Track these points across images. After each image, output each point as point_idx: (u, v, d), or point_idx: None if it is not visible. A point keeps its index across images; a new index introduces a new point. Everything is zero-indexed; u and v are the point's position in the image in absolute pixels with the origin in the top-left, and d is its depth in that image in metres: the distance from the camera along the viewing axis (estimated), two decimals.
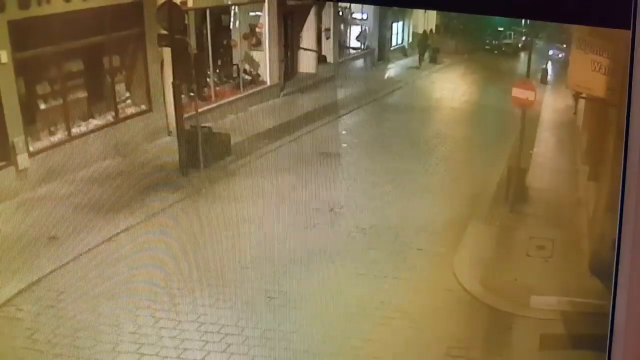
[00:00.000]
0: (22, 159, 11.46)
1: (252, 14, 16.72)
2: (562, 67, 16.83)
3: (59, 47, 12.27)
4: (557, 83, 16.99)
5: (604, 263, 8.21)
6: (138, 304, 9.00)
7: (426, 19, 20.28)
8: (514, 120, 13.73)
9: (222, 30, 16.22)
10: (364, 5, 18.86)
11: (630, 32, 3.20)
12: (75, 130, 12.73)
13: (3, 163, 11.34)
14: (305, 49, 18.31)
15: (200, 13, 15.10)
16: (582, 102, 13.28)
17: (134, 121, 13.64)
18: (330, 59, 18.81)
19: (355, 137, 15.08)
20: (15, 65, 11.33)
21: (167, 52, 13.65)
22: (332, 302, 9.16)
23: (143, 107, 14.02)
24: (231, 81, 16.34)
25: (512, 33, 19.50)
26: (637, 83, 3.17)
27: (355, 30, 19.85)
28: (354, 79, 19.42)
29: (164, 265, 9.66)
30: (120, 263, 9.78)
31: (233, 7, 16.28)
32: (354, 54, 20.04)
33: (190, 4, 14.26)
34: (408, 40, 20.95)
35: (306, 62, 18.35)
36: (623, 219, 3.32)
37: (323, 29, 18.56)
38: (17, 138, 11.42)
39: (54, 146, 12.20)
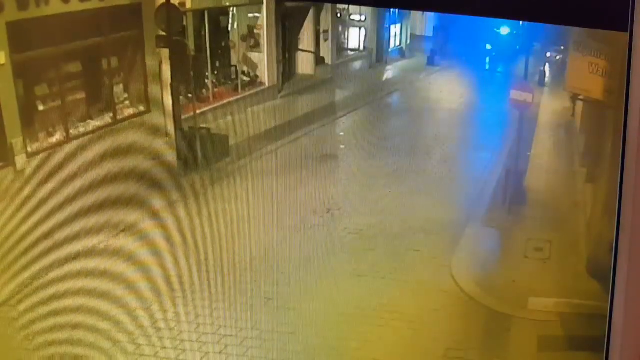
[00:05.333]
0: (21, 160, 11.47)
1: (250, 15, 16.74)
2: (560, 69, 16.88)
3: (57, 49, 12.27)
4: (554, 85, 17.03)
5: (601, 265, 8.22)
6: (136, 304, 9.00)
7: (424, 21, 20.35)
8: (512, 122, 13.76)
9: (220, 31, 16.24)
10: (362, 7, 18.89)
11: (627, 35, 3.20)
12: (73, 132, 12.73)
13: (1, 164, 11.34)
14: (304, 51, 18.33)
15: (199, 14, 15.11)
16: (579, 104, 13.32)
17: (132, 122, 13.65)
18: (328, 60, 18.85)
19: (353, 138, 15.10)
20: (13, 67, 11.33)
21: (165, 53, 13.65)
22: (330, 303, 9.16)
23: (141, 108, 14.02)
24: (229, 82, 16.36)
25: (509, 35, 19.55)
26: (635, 85, 3.18)
27: (353, 32, 19.90)
28: (352, 80, 19.44)
29: (161, 266, 9.66)
30: (117, 263, 9.77)
31: (231, 9, 16.30)
32: (352, 55, 20.08)
33: (188, 5, 14.27)
34: (406, 42, 21.00)
35: (304, 64, 18.37)
36: (621, 221, 3.32)
37: (321, 30, 18.59)
38: (15, 139, 11.42)
39: (52, 147, 12.20)
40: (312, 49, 18.39)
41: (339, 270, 9.99)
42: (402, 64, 20.49)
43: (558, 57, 17.62)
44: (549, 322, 9.01)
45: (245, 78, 16.65)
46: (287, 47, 17.95)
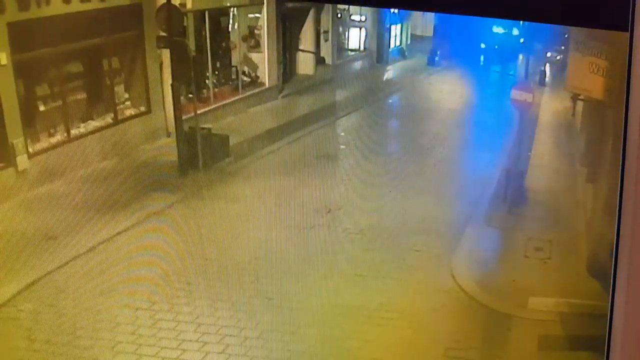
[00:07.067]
0: (22, 160, 11.48)
1: (251, 15, 16.75)
2: (560, 69, 16.88)
3: (58, 49, 12.28)
4: (555, 85, 17.03)
5: (602, 264, 8.23)
6: (137, 304, 9.01)
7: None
8: (512, 121, 13.77)
9: (221, 32, 16.24)
10: (363, 8, 18.88)
11: (627, 34, 3.21)
12: (74, 132, 12.74)
13: (2, 164, 11.35)
14: (304, 51, 18.33)
15: (199, 15, 15.11)
16: (580, 104, 13.33)
17: (133, 122, 13.65)
18: (328, 60, 18.84)
19: (353, 138, 15.09)
20: (14, 67, 11.33)
21: (166, 54, 13.66)
22: (331, 303, 9.17)
23: (142, 108, 14.03)
24: (230, 83, 16.36)
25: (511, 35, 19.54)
26: (635, 85, 3.18)
27: (353, 33, 19.89)
28: (352, 80, 19.44)
29: (162, 266, 9.67)
30: (119, 263, 9.78)
31: (232, 9, 16.30)
32: (352, 55, 20.06)
33: (189, 5, 14.27)
34: (407, 42, 20.98)
35: (305, 64, 18.37)
36: (621, 221, 3.33)
37: (322, 30, 18.58)
38: (16, 139, 11.43)
39: (53, 147, 12.20)
40: (312, 49, 18.39)
41: (339, 270, 10.00)
42: (402, 64, 20.47)
43: (558, 57, 17.61)
44: (549, 322, 9.01)
45: (245, 78, 16.66)
46: (287, 48, 17.95)
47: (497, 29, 19.07)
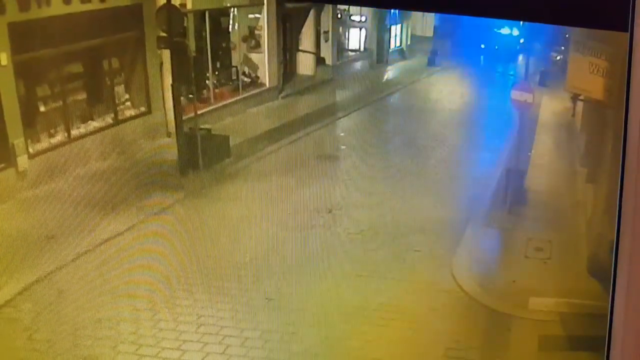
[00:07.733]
0: (22, 161, 11.48)
1: (251, 16, 16.75)
2: (560, 69, 16.88)
3: (58, 50, 12.28)
4: (555, 85, 17.03)
5: (602, 264, 8.25)
6: (137, 304, 9.01)
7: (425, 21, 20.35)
8: (513, 122, 13.78)
9: (221, 32, 16.25)
10: (363, 8, 18.89)
11: (627, 35, 3.21)
12: (74, 132, 12.74)
13: (3, 165, 11.35)
14: (304, 51, 18.34)
15: (200, 15, 15.12)
16: (580, 104, 13.34)
17: (133, 123, 13.66)
18: (329, 61, 18.85)
19: (353, 139, 15.10)
20: (15, 68, 11.34)
21: (166, 54, 13.67)
22: (331, 303, 9.17)
23: (142, 109, 14.03)
24: (230, 83, 16.37)
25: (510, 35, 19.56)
26: (635, 85, 3.19)
27: (354, 33, 19.91)
28: (352, 81, 19.45)
29: (163, 266, 9.67)
30: (119, 264, 9.77)
31: (232, 10, 16.31)
32: (352, 56, 20.08)
33: (189, 6, 14.28)
34: (407, 42, 21.00)
35: (305, 64, 18.39)
36: (621, 221, 3.33)
37: (322, 31, 18.59)
38: (17, 140, 11.43)
39: (53, 148, 12.21)
40: (312, 49, 18.41)
41: (339, 270, 10.00)
42: (402, 64, 20.49)
43: (558, 57, 17.63)
44: (549, 322, 9.01)
45: (245, 79, 16.67)
46: (287, 48, 17.97)
47: (497, 29, 19.09)
